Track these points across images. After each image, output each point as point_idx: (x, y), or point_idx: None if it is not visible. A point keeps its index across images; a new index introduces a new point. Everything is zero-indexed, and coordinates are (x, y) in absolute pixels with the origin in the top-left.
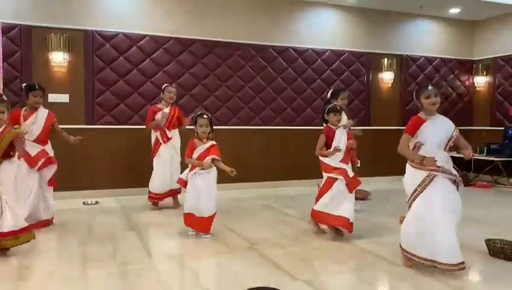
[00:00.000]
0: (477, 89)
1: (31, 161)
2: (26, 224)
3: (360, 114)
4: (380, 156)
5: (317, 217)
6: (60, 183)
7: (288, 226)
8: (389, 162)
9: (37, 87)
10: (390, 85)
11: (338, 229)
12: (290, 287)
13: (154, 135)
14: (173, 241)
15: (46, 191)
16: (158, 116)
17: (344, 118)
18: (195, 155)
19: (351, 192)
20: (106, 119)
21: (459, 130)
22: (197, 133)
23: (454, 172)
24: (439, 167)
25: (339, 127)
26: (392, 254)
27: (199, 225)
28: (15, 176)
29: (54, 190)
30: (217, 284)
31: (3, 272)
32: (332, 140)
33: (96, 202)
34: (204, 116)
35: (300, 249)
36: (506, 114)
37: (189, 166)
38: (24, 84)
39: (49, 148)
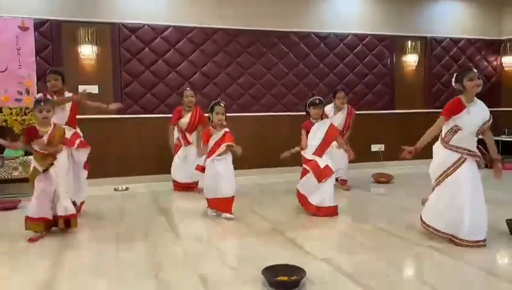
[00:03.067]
0: (506, 69)
1: (68, 142)
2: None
3: (384, 98)
4: (405, 140)
5: (299, 197)
6: (91, 170)
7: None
8: (413, 145)
9: (48, 72)
10: (414, 68)
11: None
12: (311, 266)
13: (177, 135)
14: (200, 224)
15: (81, 175)
16: (183, 121)
17: (340, 117)
18: (211, 143)
19: (319, 182)
20: (134, 108)
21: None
22: (213, 121)
23: (478, 153)
24: (470, 150)
25: (318, 121)
26: (411, 234)
27: (221, 205)
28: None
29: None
30: (242, 263)
31: (40, 255)
32: (310, 132)
33: (127, 188)
34: (221, 104)
35: (322, 231)
36: None
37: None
38: None
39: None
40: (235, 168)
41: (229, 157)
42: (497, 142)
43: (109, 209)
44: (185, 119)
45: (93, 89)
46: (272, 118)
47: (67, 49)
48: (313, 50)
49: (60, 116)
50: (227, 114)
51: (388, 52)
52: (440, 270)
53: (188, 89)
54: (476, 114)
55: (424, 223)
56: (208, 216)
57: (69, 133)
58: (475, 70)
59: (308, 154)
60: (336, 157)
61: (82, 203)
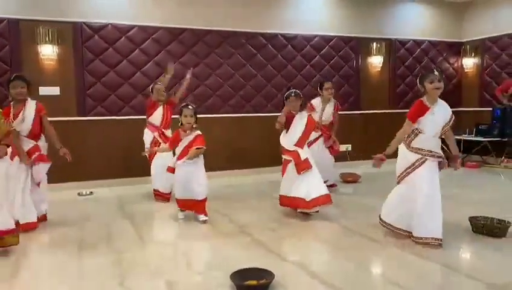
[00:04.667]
0: (466, 70)
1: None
2: (12, 226)
3: (350, 99)
4: (371, 140)
5: (282, 201)
6: (53, 175)
7: (279, 211)
8: (379, 145)
9: (13, 78)
10: (379, 69)
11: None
12: (279, 268)
13: (151, 135)
14: (166, 228)
15: (37, 188)
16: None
17: (329, 110)
18: (181, 146)
19: (298, 173)
20: (98, 110)
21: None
22: (182, 123)
23: (442, 154)
24: (431, 151)
25: (297, 112)
26: (379, 233)
27: (195, 207)
28: (5, 174)
29: (48, 182)
30: (209, 267)
31: None
32: (291, 124)
33: (91, 193)
34: (189, 106)
35: (290, 232)
36: (494, 95)
37: (176, 155)
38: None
39: (42, 144)
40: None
41: (199, 160)
42: (458, 141)
43: (72, 215)
44: (158, 113)
45: (55, 90)
46: (241, 120)
47: (26, 49)
48: (280, 51)
49: (20, 128)
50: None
51: (354, 53)
52: (406, 269)
53: (158, 83)
54: (438, 115)
55: (380, 219)
56: (175, 220)
57: (27, 146)
58: (436, 73)
59: (289, 145)
60: (323, 163)
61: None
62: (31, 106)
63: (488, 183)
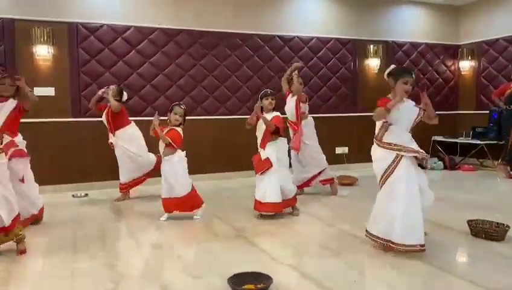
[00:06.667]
0: (463, 73)
1: None
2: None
3: (347, 101)
4: (368, 143)
5: (255, 205)
6: (48, 177)
7: (275, 214)
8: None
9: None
10: (376, 71)
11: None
12: (276, 271)
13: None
14: (161, 230)
15: (21, 186)
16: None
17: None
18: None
19: (256, 173)
20: (93, 111)
21: (444, 114)
22: (170, 120)
23: (419, 150)
24: (405, 147)
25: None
26: None
27: (180, 206)
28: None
29: (42, 184)
30: (205, 271)
31: None
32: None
33: (86, 195)
34: (182, 106)
35: (286, 235)
36: (491, 98)
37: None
38: None
39: (18, 140)
40: (198, 172)
41: (175, 158)
42: (454, 144)
43: (66, 217)
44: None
45: (50, 91)
46: (237, 122)
47: (21, 49)
48: (277, 53)
49: None
50: (191, 117)
51: (351, 55)
52: (403, 272)
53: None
54: (403, 110)
55: (366, 231)
56: (170, 223)
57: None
58: (413, 76)
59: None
60: (315, 159)
61: (34, 216)
62: (10, 103)
63: (486, 187)
